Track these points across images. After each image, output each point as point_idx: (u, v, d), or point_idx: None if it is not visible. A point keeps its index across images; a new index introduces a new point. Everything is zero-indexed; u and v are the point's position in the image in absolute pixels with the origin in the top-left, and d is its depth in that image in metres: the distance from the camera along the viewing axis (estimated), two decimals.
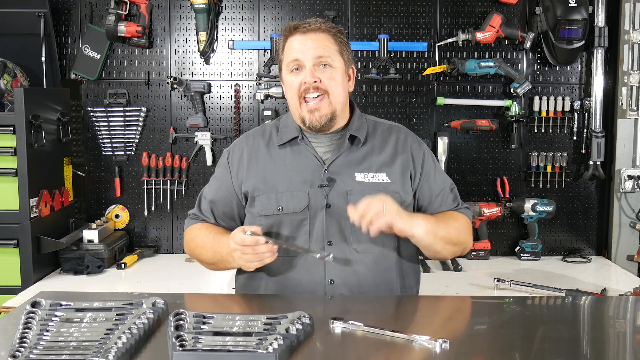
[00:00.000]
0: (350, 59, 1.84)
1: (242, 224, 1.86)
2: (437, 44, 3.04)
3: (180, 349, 1.16)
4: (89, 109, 3.06)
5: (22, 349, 1.17)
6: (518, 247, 3.08)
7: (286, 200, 1.76)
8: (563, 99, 3.04)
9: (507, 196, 3.09)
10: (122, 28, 2.90)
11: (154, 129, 3.08)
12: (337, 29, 1.80)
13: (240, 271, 1.87)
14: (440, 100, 3.03)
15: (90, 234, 2.84)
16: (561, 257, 3.12)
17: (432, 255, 1.80)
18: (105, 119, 3.05)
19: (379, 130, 1.87)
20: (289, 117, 1.87)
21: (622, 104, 3.01)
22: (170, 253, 3.13)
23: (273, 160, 1.82)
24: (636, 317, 1.61)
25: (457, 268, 2.84)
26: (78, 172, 3.06)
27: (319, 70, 1.74)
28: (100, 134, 3.07)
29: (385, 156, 1.82)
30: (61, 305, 1.36)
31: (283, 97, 3.03)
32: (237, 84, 3.07)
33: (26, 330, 1.25)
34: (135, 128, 3.06)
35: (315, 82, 1.73)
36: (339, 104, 1.78)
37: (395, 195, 1.77)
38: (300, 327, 1.28)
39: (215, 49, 3.05)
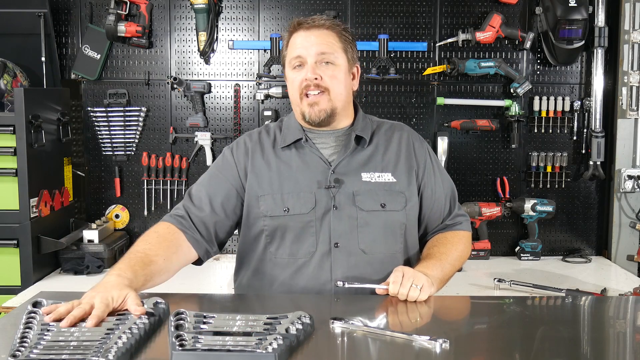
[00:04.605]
0: (355, 57, 1.83)
1: (237, 223, 1.83)
2: (437, 44, 3.04)
3: (180, 348, 1.16)
4: (89, 109, 3.06)
5: (23, 349, 1.17)
6: (518, 247, 3.08)
7: (292, 202, 1.75)
8: (563, 99, 3.04)
9: (507, 196, 3.09)
10: (122, 28, 2.90)
11: (154, 129, 3.08)
12: (342, 27, 1.80)
13: (241, 268, 1.86)
14: (440, 100, 3.03)
15: (90, 234, 2.84)
16: (561, 257, 3.12)
17: None
18: (105, 119, 3.05)
19: (382, 130, 1.87)
20: (291, 119, 1.87)
21: (622, 104, 3.01)
22: None
23: (278, 161, 1.80)
24: (636, 317, 1.61)
25: None
26: (78, 172, 3.06)
27: (321, 68, 1.73)
28: (100, 134, 3.07)
29: (390, 155, 1.82)
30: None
31: (283, 97, 3.03)
32: (237, 84, 3.07)
33: (27, 330, 1.25)
34: (135, 128, 3.06)
35: (316, 79, 1.72)
36: (340, 102, 1.78)
37: (400, 196, 1.78)
38: (300, 327, 1.27)
39: (215, 49, 3.05)
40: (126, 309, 1.37)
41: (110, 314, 1.35)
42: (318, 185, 1.75)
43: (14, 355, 1.14)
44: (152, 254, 1.62)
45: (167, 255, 1.66)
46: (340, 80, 1.76)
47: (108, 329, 1.26)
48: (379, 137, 1.85)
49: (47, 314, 1.31)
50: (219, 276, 2.75)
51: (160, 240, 1.69)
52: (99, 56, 3.00)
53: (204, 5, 2.91)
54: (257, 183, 1.78)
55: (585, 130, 3.06)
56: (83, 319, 1.31)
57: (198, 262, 1.80)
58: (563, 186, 3.09)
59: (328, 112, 1.76)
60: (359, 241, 1.74)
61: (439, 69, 3.02)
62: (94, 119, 3.06)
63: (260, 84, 3.06)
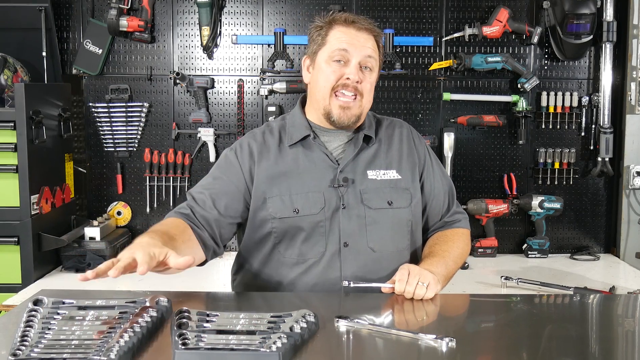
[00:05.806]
0: (381, 66, 1.84)
1: (239, 225, 1.79)
2: (444, 39, 3.01)
3: (183, 347, 1.14)
4: (90, 104, 3.04)
5: (23, 347, 1.15)
6: (525, 245, 3.07)
7: (302, 202, 1.72)
8: (571, 95, 3.02)
9: (515, 193, 3.06)
10: (124, 22, 2.88)
11: (157, 124, 3.06)
12: (382, 36, 1.81)
13: (242, 268, 1.83)
14: (447, 96, 3.01)
15: (92, 231, 2.83)
16: (569, 254, 3.10)
17: None
18: (107, 114, 3.04)
19: (383, 126, 1.87)
20: (295, 116, 1.84)
21: (630, 99, 2.99)
22: None
23: (285, 161, 1.77)
24: None
25: (463, 266, 2.81)
26: (79, 169, 3.05)
27: (361, 72, 1.73)
28: (102, 130, 3.05)
29: (394, 152, 1.82)
30: (64, 303, 1.34)
31: (287, 92, 3.01)
32: (240, 80, 3.05)
33: (28, 328, 1.23)
34: (137, 124, 3.04)
35: (357, 81, 1.72)
36: (366, 109, 1.79)
37: (406, 192, 1.77)
38: (304, 325, 1.26)
39: (218, 43, 3.03)
40: (167, 263, 1.40)
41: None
42: (327, 184, 1.74)
43: (14, 354, 1.13)
44: (172, 234, 1.59)
45: (183, 239, 1.63)
46: (372, 88, 1.78)
47: (110, 328, 1.24)
48: (381, 133, 1.85)
49: (84, 280, 1.28)
50: (222, 274, 2.72)
51: (174, 226, 1.65)
52: (100, 51, 2.98)
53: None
54: (264, 185, 1.75)
55: (593, 126, 3.04)
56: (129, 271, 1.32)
57: (201, 263, 1.75)
58: (571, 183, 3.07)
59: (357, 116, 1.76)
60: (367, 240, 1.73)
61: (445, 64, 3.00)
62: (95, 114, 3.04)
63: (264, 79, 3.04)
